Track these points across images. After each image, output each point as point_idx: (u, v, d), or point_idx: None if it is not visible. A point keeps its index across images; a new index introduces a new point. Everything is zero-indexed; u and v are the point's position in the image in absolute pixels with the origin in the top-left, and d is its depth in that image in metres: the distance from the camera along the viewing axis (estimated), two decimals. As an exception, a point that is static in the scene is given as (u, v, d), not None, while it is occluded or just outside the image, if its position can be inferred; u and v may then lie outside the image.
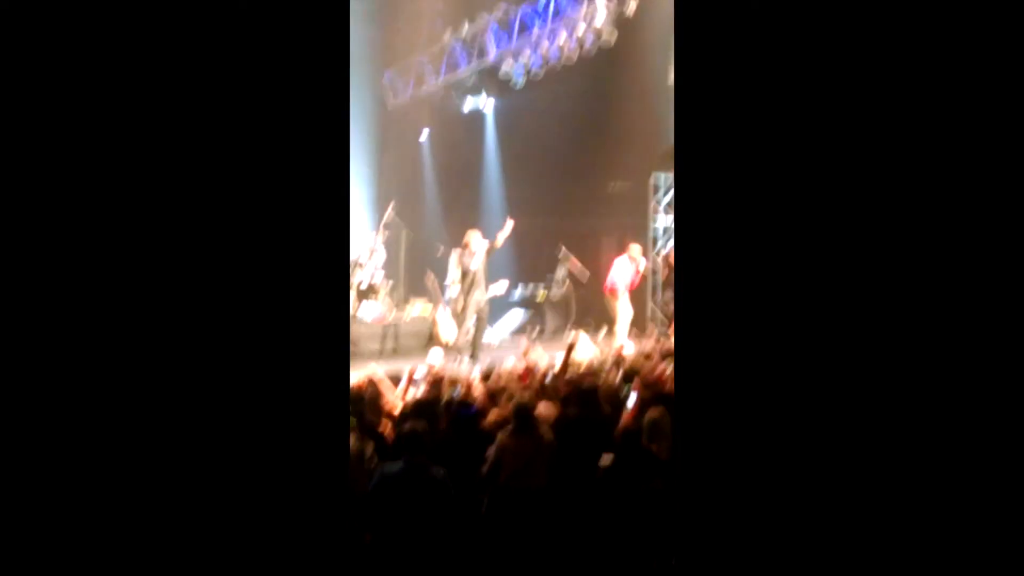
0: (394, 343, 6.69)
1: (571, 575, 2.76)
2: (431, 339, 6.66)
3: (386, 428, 3.54)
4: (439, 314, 6.78)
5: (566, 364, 4.57)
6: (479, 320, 6.05)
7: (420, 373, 4.46)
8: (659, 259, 7.75)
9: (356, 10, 5.11)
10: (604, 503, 2.89)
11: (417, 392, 4.27)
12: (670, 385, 3.80)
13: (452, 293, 6.34)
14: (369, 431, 3.29)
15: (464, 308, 6.11)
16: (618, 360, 4.90)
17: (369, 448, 3.12)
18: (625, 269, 6.67)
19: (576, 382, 4.04)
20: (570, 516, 2.92)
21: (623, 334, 6.64)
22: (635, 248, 6.73)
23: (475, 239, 6.04)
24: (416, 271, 7.71)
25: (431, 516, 2.63)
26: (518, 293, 7.79)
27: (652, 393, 3.67)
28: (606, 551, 2.77)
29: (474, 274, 5.95)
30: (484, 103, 8.99)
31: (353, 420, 3.16)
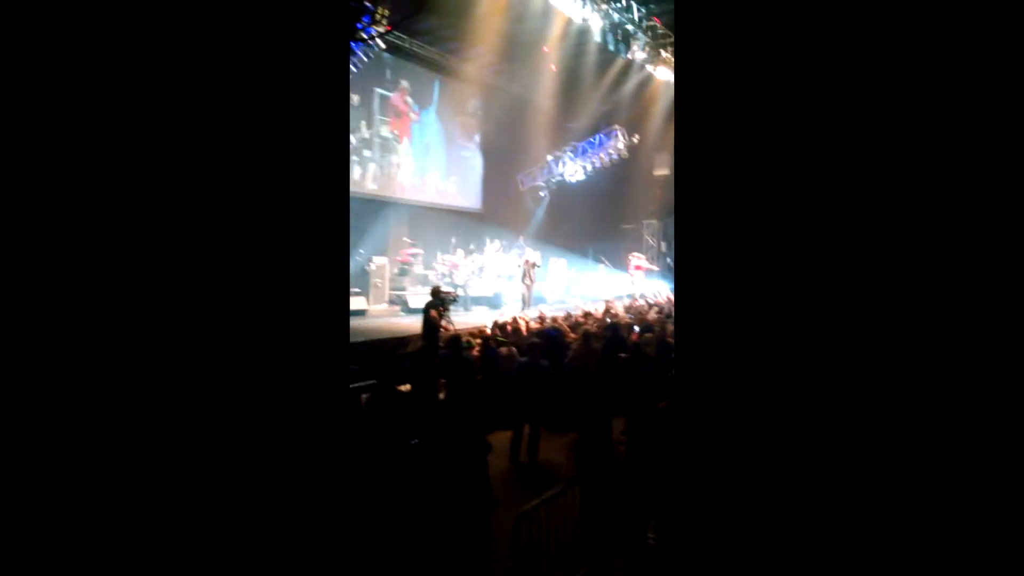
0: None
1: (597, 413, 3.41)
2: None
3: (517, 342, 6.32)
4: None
5: (606, 311, 9.13)
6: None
7: (533, 314, 8.44)
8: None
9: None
10: (622, 378, 4.82)
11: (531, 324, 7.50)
12: (654, 319, 8.00)
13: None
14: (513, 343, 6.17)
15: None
16: (628, 310, 10.06)
17: (513, 350, 5.79)
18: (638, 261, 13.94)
19: (609, 321, 7.65)
20: (604, 384, 4.70)
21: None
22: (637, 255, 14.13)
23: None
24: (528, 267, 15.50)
25: (542, 382, 4.95)
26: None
27: (644, 325, 7.21)
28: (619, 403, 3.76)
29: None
30: (563, 187, 17.06)
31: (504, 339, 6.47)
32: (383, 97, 12.78)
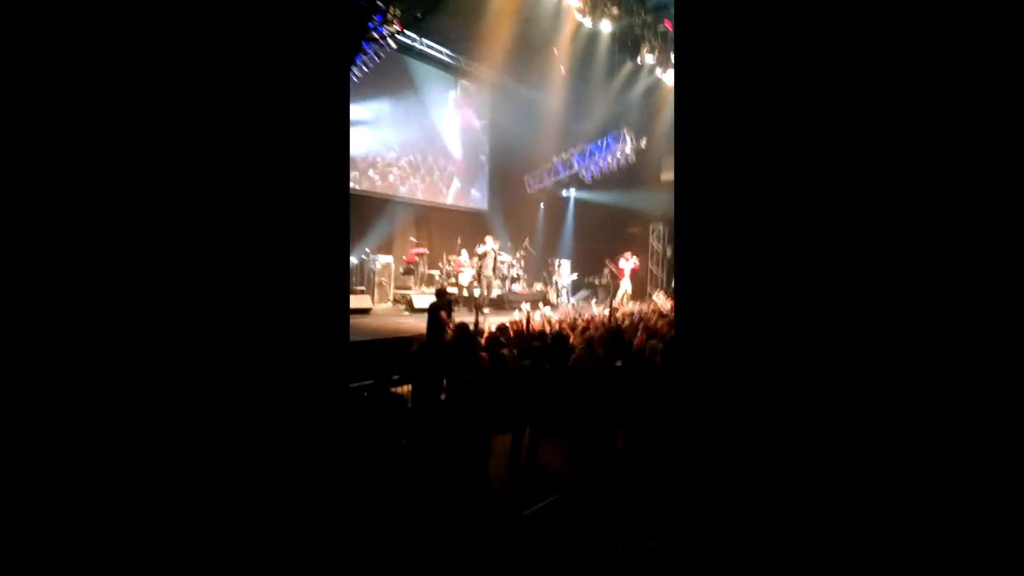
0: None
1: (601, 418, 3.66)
2: (544, 302, 13.04)
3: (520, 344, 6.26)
4: (550, 291, 14.40)
5: (611, 315, 8.96)
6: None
7: (537, 316, 8.46)
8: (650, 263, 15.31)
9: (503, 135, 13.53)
10: (624, 385, 4.62)
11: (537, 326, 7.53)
12: (659, 325, 7.31)
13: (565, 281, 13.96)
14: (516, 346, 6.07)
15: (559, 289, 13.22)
16: (629, 315, 9.24)
17: (515, 352, 5.75)
18: (626, 264, 13.71)
19: (611, 325, 7.26)
20: (606, 388, 4.60)
21: (620, 297, 13.16)
22: (629, 255, 13.73)
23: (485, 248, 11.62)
24: (535, 269, 15.49)
25: (545, 384, 4.77)
26: (587, 279, 15.43)
27: (650, 331, 6.65)
28: (623, 405, 3.96)
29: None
30: (570, 191, 17.08)
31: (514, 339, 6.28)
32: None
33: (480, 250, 11.42)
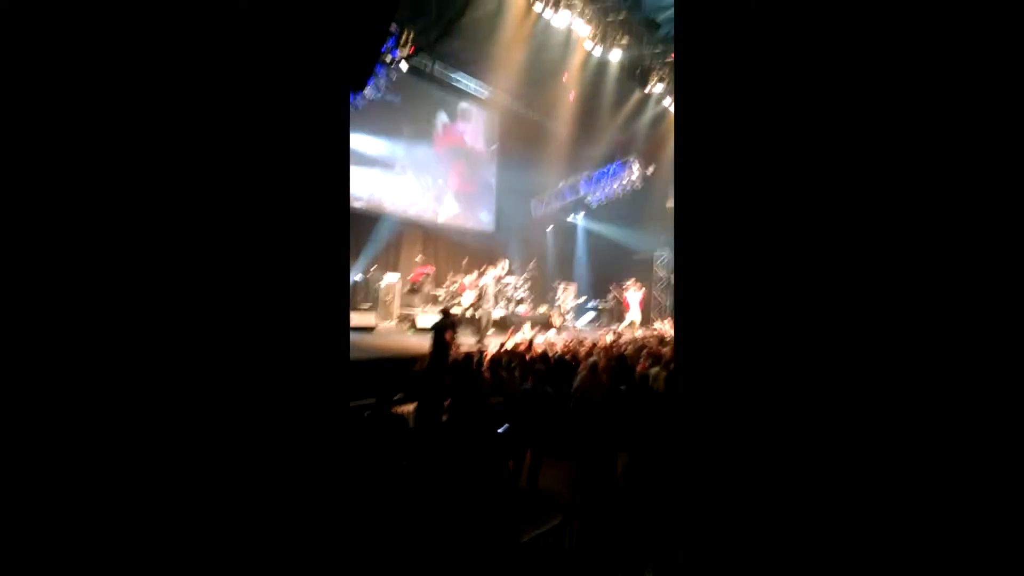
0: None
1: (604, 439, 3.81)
2: (548, 325, 13.18)
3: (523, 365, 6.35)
4: (554, 314, 14.43)
5: (615, 341, 9.04)
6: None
7: (540, 339, 8.81)
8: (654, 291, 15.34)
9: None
10: (626, 410, 4.75)
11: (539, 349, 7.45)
12: (660, 352, 7.26)
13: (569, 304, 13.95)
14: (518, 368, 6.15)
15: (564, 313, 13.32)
16: (633, 341, 9.37)
17: (517, 375, 5.92)
18: (634, 295, 13.88)
19: (616, 351, 7.43)
20: (608, 413, 4.73)
21: (626, 324, 13.35)
22: (638, 285, 13.82)
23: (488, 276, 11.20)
24: (540, 292, 15.52)
25: (547, 406, 4.83)
26: (591, 304, 15.43)
27: (653, 358, 6.83)
28: (628, 429, 4.11)
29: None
30: (576, 216, 17.16)
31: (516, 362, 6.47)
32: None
33: (490, 274, 11.24)
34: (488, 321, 10.85)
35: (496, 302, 11.76)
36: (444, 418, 4.80)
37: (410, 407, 5.07)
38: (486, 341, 8.49)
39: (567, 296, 14.61)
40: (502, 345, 7.73)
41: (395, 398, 4.49)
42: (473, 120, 15.03)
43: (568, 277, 15.94)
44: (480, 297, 11.30)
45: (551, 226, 16.67)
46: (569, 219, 17.16)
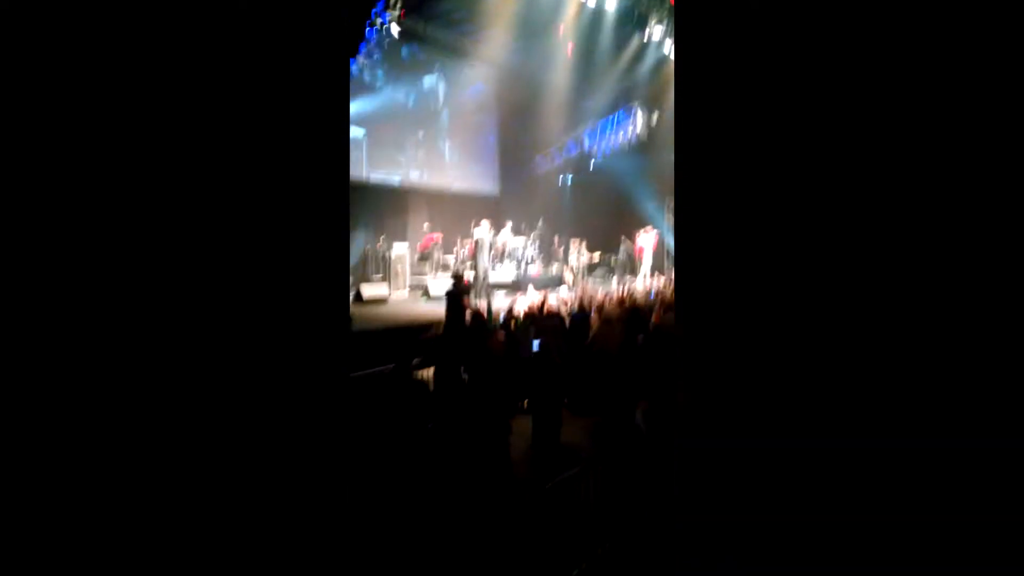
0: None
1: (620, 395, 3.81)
2: (560, 283, 13.10)
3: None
4: (565, 272, 14.36)
5: (630, 292, 9.11)
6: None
7: (553, 297, 8.31)
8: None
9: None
10: (644, 360, 4.81)
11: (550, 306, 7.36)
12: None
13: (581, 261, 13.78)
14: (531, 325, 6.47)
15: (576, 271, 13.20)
16: (645, 291, 9.59)
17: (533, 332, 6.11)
18: (647, 239, 13.86)
19: (631, 302, 7.49)
20: (625, 364, 4.84)
21: (644, 275, 13.02)
22: (650, 229, 13.78)
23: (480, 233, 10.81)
24: (549, 250, 15.42)
25: (564, 363, 5.04)
26: (602, 258, 15.35)
27: (668, 305, 6.64)
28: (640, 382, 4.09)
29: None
30: (582, 168, 16.82)
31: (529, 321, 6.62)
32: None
33: (476, 235, 10.88)
34: (485, 277, 10.74)
35: (498, 260, 11.54)
36: (464, 379, 4.88)
37: (428, 372, 5.14)
38: (493, 302, 8.46)
39: (579, 252, 14.53)
40: (511, 306, 7.74)
41: (414, 363, 4.55)
42: (469, 80, 14.77)
43: (578, 233, 15.78)
44: (475, 256, 11.02)
45: (559, 180, 16.48)
46: (576, 172, 16.95)
